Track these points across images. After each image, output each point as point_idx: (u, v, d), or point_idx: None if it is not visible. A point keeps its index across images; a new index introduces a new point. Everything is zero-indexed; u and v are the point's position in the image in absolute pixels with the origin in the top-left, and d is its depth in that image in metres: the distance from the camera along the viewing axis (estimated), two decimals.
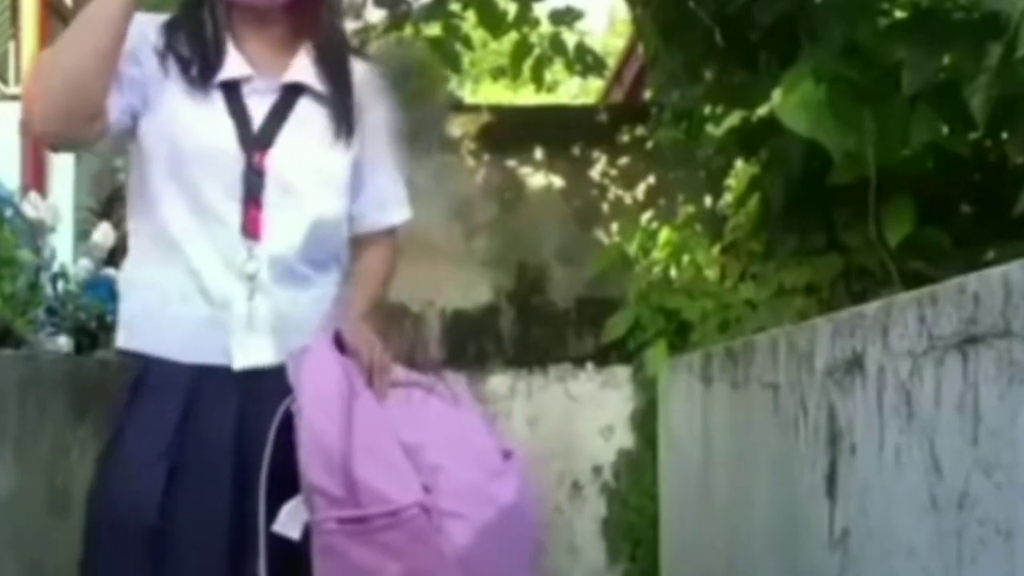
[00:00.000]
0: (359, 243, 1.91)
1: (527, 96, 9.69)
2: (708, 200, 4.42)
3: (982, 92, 2.53)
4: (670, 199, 4.93)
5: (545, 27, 5.54)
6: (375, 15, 6.03)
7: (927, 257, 3.32)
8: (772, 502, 2.59)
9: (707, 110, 4.08)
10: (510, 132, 5.20)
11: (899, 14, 3.47)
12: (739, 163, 4.17)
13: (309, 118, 1.76)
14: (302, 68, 1.77)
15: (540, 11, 5.46)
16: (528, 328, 5.13)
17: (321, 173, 1.76)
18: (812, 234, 3.81)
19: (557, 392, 5.06)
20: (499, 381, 5.05)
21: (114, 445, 1.69)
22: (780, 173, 3.70)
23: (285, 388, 1.68)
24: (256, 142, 1.71)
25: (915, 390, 1.74)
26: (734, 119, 3.90)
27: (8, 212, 2.74)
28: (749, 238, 4.18)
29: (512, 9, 5.33)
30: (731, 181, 4.28)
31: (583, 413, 5.03)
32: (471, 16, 5.35)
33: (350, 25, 6.44)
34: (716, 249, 4.43)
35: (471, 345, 5.08)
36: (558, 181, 5.23)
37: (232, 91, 1.72)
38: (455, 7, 5.32)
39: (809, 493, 2.26)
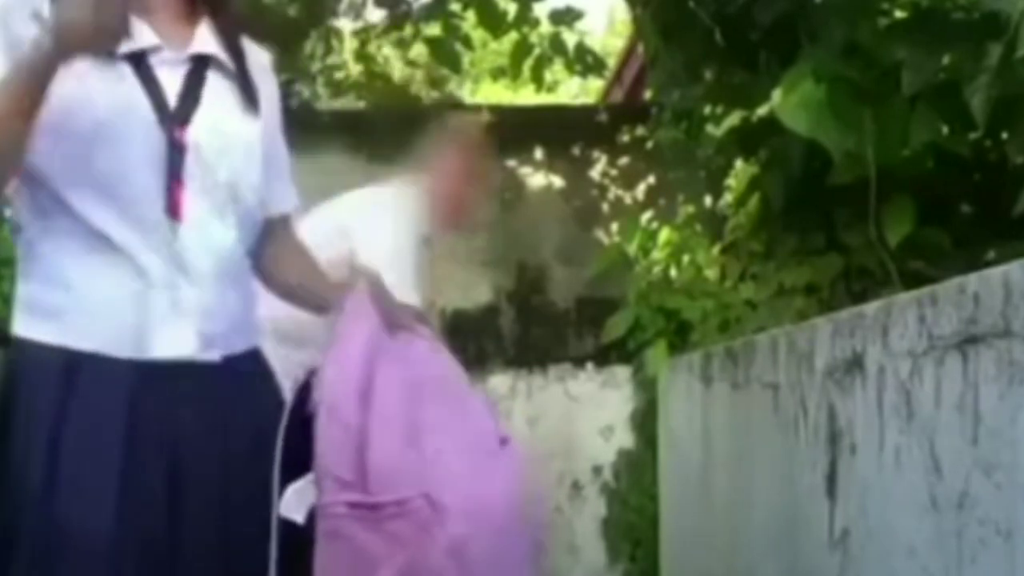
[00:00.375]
0: (269, 230, 1.78)
1: (527, 96, 9.68)
2: (708, 200, 4.42)
3: (982, 92, 2.53)
4: (670, 199, 4.93)
5: (545, 27, 5.54)
6: (375, 15, 6.05)
7: (927, 257, 3.32)
8: (772, 502, 2.59)
9: (707, 110, 4.09)
10: (510, 132, 5.19)
11: (899, 14, 3.47)
12: (739, 163, 4.17)
13: (220, 90, 1.65)
14: (206, 39, 1.66)
15: (540, 11, 5.46)
16: (528, 328, 5.13)
17: (240, 146, 1.66)
18: (812, 234, 3.82)
19: (557, 392, 5.06)
20: (499, 381, 5.05)
21: (50, 451, 1.54)
22: (780, 173, 3.70)
23: (215, 388, 1.60)
24: (175, 117, 1.59)
25: (915, 390, 1.74)
26: (734, 119, 3.91)
27: (8, 212, 2.74)
28: (749, 238, 4.18)
29: (512, 9, 5.33)
30: (731, 181, 4.28)
31: (583, 413, 5.03)
32: (471, 16, 5.35)
33: (350, 25, 6.45)
34: (716, 249, 4.43)
35: (471, 345, 5.07)
36: (558, 181, 5.23)
37: (140, 63, 1.58)
38: (455, 7, 5.32)
39: (809, 493, 2.26)
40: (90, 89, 1.55)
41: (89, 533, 1.53)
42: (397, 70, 8.14)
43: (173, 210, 1.58)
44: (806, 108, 3.00)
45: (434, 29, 5.55)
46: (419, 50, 6.47)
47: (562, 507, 4.99)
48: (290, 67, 5.61)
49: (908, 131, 2.96)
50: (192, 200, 1.59)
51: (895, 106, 2.97)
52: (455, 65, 5.74)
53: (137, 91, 1.57)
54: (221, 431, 1.61)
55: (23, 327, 1.60)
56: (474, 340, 5.08)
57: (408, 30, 5.78)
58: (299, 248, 1.87)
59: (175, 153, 1.58)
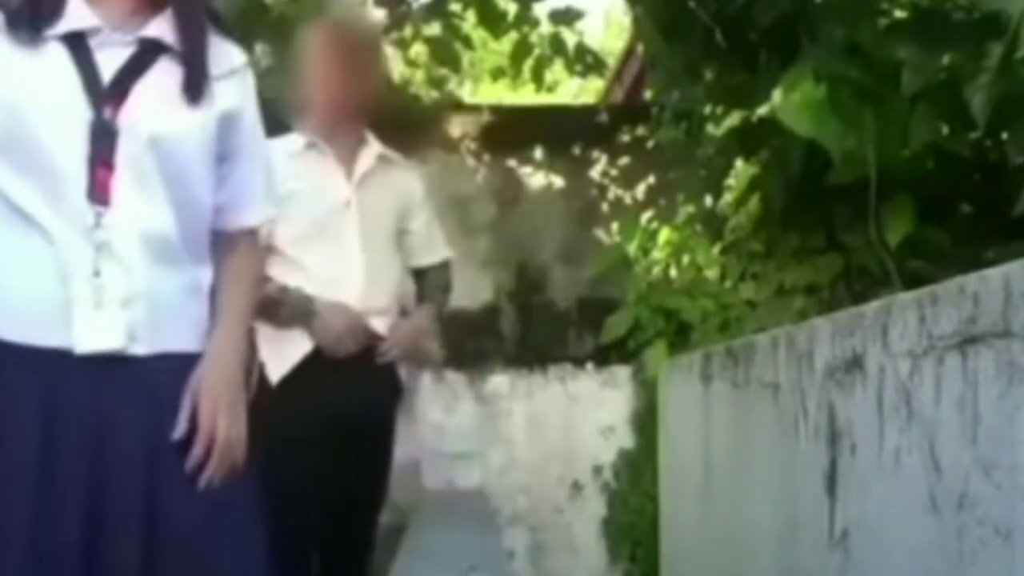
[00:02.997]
0: (220, 242, 1.73)
1: (527, 96, 9.68)
2: (708, 200, 4.42)
3: (982, 92, 2.53)
4: (670, 199, 4.93)
5: (545, 27, 5.54)
6: (375, 15, 6.04)
7: (927, 257, 3.32)
8: (772, 502, 2.59)
9: (707, 110, 4.09)
10: (510, 132, 5.20)
11: (899, 14, 3.46)
12: (739, 163, 4.17)
13: (164, 77, 1.60)
14: (161, 26, 1.62)
15: (540, 11, 5.46)
16: (528, 328, 5.14)
17: (181, 133, 1.60)
18: (812, 234, 3.82)
19: (557, 392, 5.06)
20: (499, 381, 5.05)
21: None
22: (780, 173, 3.70)
23: (146, 380, 1.55)
24: (107, 96, 1.54)
25: (915, 390, 1.74)
26: (734, 119, 3.91)
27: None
28: (749, 238, 4.18)
29: (512, 9, 5.33)
30: (731, 181, 4.28)
31: (583, 413, 5.03)
32: (471, 16, 5.35)
33: None
34: (716, 249, 4.43)
35: (471, 345, 5.08)
36: (558, 181, 5.23)
37: (77, 44, 1.55)
38: (455, 7, 5.32)
39: (809, 493, 2.25)
40: (17, 68, 1.52)
41: (2, 529, 1.47)
42: (397, 70, 8.13)
43: (98, 192, 1.52)
44: (806, 108, 3.00)
45: (434, 29, 5.55)
46: (419, 50, 6.47)
47: (562, 507, 4.99)
48: (289, 67, 5.60)
49: (908, 131, 2.96)
50: (121, 183, 1.54)
51: (895, 106, 2.97)
52: (455, 65, 5.74)
53: (68, 70, 1.54)
54: (143, 428, 1.55)
55: None
56: (474, 340, 5.09)
57: (408, 30, 5.78)
58: (241, 274, 1.78)
59: (103, 134, 1.53)
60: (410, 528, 3.62)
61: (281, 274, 2.68)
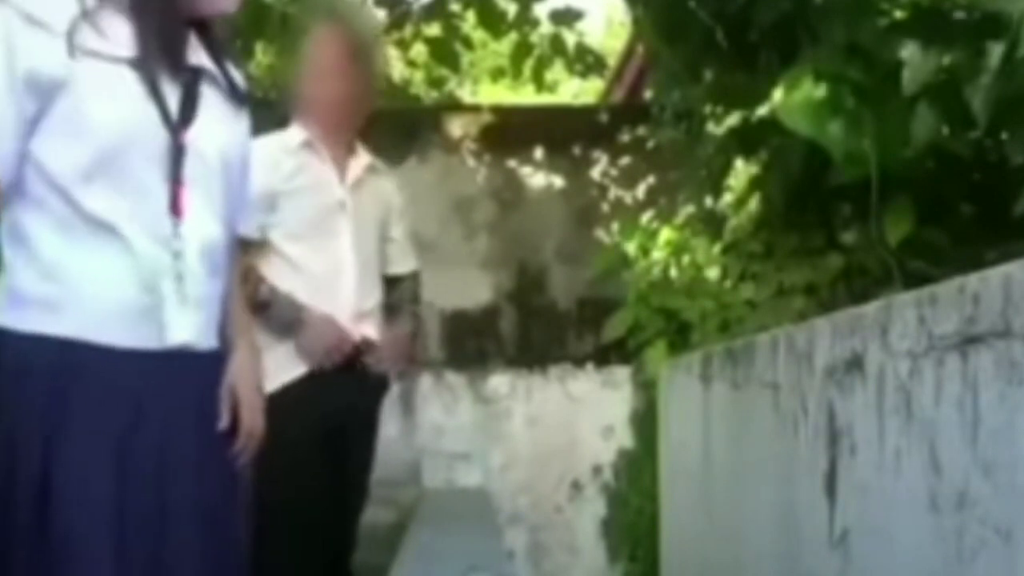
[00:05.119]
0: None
1: (527, 96, 9.68)
2: (708, 200, 4.42)
3: (983, 92, 2.53)
4: (670, 199, 4.93)
5: (545, 27, 5.55)
6: (375, 15, 6.04)
7: (927, 257, 3.32)
8: (772, 502, 2.59)
9: (707, 110, 4.09)
10: (510, 132, 5.20)
11: (899, 14, 3.46)
12: (739, 163, 4.17)
13: (212, 99, 1.79)
14: (199, 53, 1.79)
15: (540, 11, 5.47)
16: (528, 328, 5.13)
17: (230, 148, 1.80)
18: (812, 234, 3.82)
19: (557, 392, 5.06)
20: (499, 381, 5.05)
21: (52, 441, 1.61)
22: (780, 173, 3.70)
23: (201, 375, 1.75)
24: (178, 123, 1.72)
25: (915, 390, 1.74)
26: (734, 119, 3.91)
27: None
28: (749, 238, 4.18)
29: (512, 9, 5.34)
30: (731, 181, 4.28)
31: (583, 413, 5.03)
32: (471, 16, 5.35)
33: None
34: (716, 249, 4.43)
35: (471, 345, 5.08)
36: (558, 181, 5.23)
37: (145, 71, 1.70)
38: (455, 7, 5.33)
39: (809, 493, 2.25)
40: (106, 98, 1.66)
41: (88, 534, 1.59)
42: (397, 70, 8.14)
43: (175, 208, 1.70)
44: (806, 108, 3.00)
45: (434, 29, 5.56)
46: (419, 50, 6.48)
47: (562, 507, 4.99)
48: (289, 66, 5.61)
49: (908, 131, 2.96)
50: (190, 198, 1.72)
51: (895, 106, 2.97)
52: (455, 65, 5.75)
53: (143, 96, 1.69)
54: (196, 420, 1.75)
55: (9, 319, 1.66)
56: (474, 340, 5.09)
57: (408, 30, 5.78)
58: (238, 280, 2.01)
59: (178, 155, 1.71)
60: (410, 528, 3.62)
61: (277, 273, 2.69)
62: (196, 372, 1.74)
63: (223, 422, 1.79)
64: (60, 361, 1.63)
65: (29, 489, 1.58)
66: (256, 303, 2.60)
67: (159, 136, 1.69)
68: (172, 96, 1.72)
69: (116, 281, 1.67)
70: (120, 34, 1.68)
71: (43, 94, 1.63)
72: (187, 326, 1.70)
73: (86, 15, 1.64)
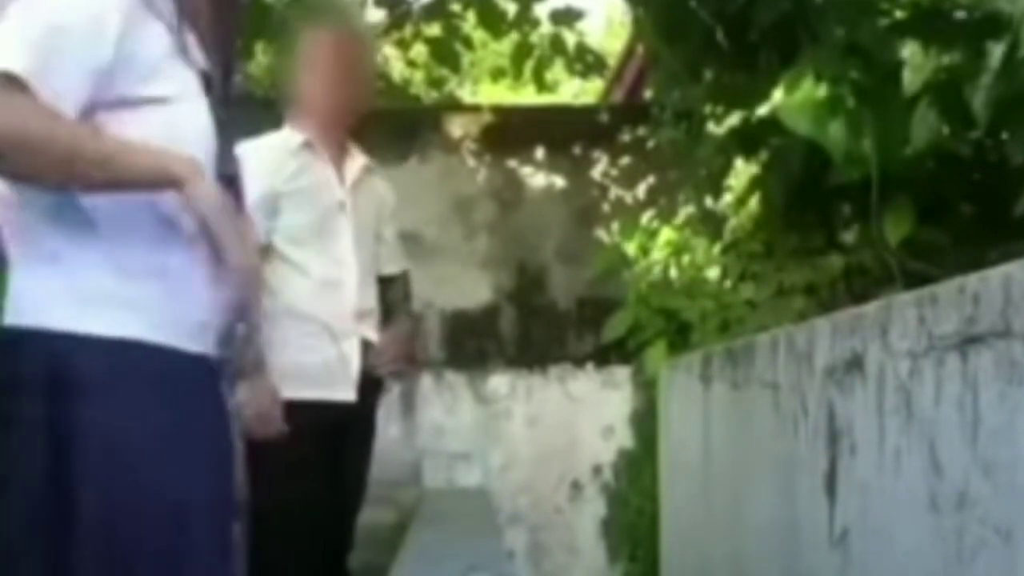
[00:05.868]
0: None
1: (527, 96, 9.68)
2: (708, 200, 4.42)
3: (983, 92, 2.53)
4: (670, 199, 4.93)
5: (545, 27, 5.55)
6: (375, 15, 6.05)
7: (927, 257, 3.32)
8: (772, 502, 2.59)
9: (707, 110, 4.08)
10: (510, 132, 5.20)
11: (899, 14, 3.46)
12: (739, 163, 4.17)
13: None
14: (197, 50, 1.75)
15: (540, 11, 5.47)
16: (528, 328, 5.13)
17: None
18: (812, 234, 3.82)
19: (557, 392, 5.05)
20: (499, 381, 5.05)
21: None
22: (780, 173, 3.70)
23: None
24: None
25: (915, 390, 1.74)
26: (734, 119, 3.90)
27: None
28: (749, 238, 4.18)
29: (512, 9, 5.34)
30: (731, 181, 4.28)
31: (583, 413, 5.03)
32: (471, 16, 5.35)
33: None
34: (716, 249, 4.43)
35: (471, 345, 5.08)
36: (558, 181, 5.23)
37: (207, 83, 1.73)
38: (455, 7, 5.33)
39: (809, 493, 2.25)
40: (189, 104, 1.66)
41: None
42: (397, 70, 8.15)
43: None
44: (806, 108, 3.00)
45: (434, 29, 5.56)
46: (419, 50, 6.48)
47: (562, 507, 4.99)
48: (288, 67, 5.61)
49: (909, 131, 2.96)
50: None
51: (895, 106, 2.97)
52: (455, 65, 5.75)
53: (208, 118, 1.70)
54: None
55: (76, 320, 1.55)
56: (474, 340, 5.09)
57: (408, 30, 5.78)
58: None
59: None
60: (410, 528, 3.62)
61: (280, 277, 2.69)
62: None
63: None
64: (143, 368, 1.61)
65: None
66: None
67: (212, 135, 1.69)
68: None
69: (195, 282, 1.72)
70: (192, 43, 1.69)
71: (136, 76, 1.59)
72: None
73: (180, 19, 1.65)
